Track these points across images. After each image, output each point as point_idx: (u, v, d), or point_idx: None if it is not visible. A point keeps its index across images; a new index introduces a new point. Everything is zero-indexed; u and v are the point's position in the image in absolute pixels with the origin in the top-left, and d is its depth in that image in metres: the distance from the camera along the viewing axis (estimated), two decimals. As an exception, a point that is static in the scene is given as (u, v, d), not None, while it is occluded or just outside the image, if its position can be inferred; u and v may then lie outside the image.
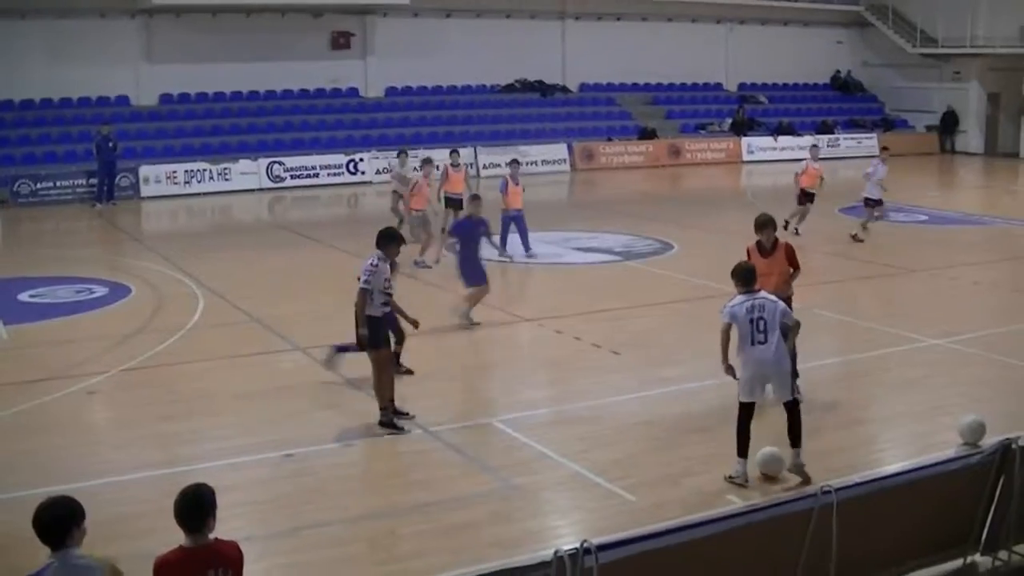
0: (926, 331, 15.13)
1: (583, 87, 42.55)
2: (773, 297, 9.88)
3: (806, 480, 9.60)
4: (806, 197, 23.08)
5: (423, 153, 27.28)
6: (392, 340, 11.88)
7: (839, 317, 16.23)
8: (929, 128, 45.86)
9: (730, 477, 9.72)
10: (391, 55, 38.17)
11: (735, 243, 22.49)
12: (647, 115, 41.98)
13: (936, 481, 7.56)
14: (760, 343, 9.54)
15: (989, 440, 8.19)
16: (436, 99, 39.09)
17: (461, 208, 20.60)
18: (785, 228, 21.23)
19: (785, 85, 46.90)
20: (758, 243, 12.02)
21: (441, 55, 38.73)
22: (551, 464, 10.35)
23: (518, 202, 20.69)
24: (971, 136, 45.24)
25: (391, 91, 38.87)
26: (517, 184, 20.84)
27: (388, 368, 11.41)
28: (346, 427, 11.33)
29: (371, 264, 11.09)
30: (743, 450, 9.68)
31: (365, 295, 11.00)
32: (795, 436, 9.73)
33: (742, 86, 45.84)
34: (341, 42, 37.61)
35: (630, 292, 18.24)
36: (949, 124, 45.35)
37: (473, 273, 15.64)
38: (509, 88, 40.88)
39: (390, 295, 11.25)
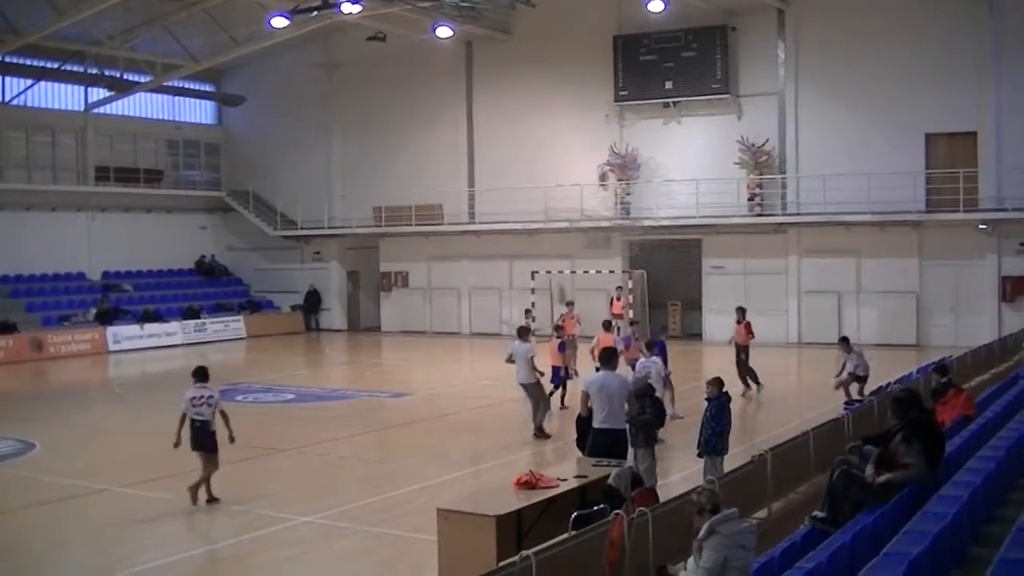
0: (296, 509, 15.59)
1: (-66, 282, 39.70)
2: None
3: None
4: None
5: None
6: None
7: (208, 505, 16.08)
8: (294, 308, 48.00)
9: None
10: None
11: (104, 438, 22.17)
12: (6, 308, 39.61)
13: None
14: None
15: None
16: None
17: None
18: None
19: (151, 272, 46.89)
20: None
21: None
22: None
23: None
24: (335, 313, 48.04)
25: None
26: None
27: None
28: None
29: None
30: None
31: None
32: None
33: (106, 274, 45.10)
34: None
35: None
36: (313, 303, 47.75)
37: None
38: None
39: None
